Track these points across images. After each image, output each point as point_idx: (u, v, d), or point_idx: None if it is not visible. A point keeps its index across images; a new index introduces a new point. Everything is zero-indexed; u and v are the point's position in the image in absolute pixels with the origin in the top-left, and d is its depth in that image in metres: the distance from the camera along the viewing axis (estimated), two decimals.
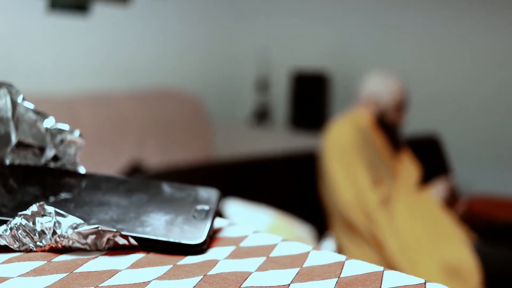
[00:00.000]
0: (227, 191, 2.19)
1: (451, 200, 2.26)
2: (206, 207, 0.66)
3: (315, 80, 3.88)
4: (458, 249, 1.89)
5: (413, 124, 3.59)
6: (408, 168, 2.37)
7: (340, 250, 2.26)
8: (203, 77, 4.24)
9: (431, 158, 3.02)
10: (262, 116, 4.17)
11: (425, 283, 0.56)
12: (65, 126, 0.71)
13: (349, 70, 3.94)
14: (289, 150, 2.63)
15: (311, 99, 3.89)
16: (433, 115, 3.60)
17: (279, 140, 3.44)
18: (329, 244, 2.24)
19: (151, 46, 3.89)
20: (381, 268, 0.59)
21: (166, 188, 0.69)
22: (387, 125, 2.37)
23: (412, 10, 3.70)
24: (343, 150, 2.17)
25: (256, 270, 0.56)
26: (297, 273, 0.56)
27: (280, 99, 4.30)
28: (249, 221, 2.06)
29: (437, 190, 2.22)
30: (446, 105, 3.55)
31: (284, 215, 2.21)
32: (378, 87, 2.34)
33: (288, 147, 3.24)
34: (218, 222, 0.72)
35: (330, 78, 4.02)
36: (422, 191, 2.22)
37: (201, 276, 0.55)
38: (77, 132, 0.72)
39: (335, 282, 0.54)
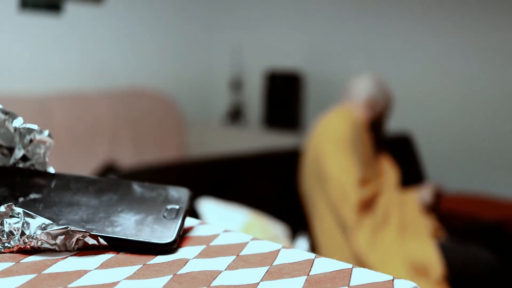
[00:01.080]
0: (201, 190, 2.19)
1: (436, 205, 2.27)
2: (177, 207, 0.66)
3: (288, 79, 3.90)
4: (424, 246, 1.91)
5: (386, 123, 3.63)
6: (388, 170, 2.40)
7: (315, 248, 2.27)
8: (177, 76, 4.22)
9: (404, 157, 3.05)
10: (236, 115, 4.18)
11: (393, 280, 0.57)
12: (34, 126, 0.70)
13: (322, 70, 3.96)
14: (263, 149, 2.64)
15: (285, 99, 3.91)
16: (406, 115, 3.63)
17: (253, 139, 3.44)
18: (302, 242, 2.25)
19: (124, 46, 3.87)
20: (350, 266, 0.59)
21: (137, 187, 0.69)
22: (377, 128, 2.41)
23: (385, 11, 3.73)
24: (340, 138, 2.18)
25: (226, 269, 0.56)
26: (266, 272, 0.56)
27: (254, 98, 4.30)
28: (224, 220, 2.06)
29: (423, 194, 2.24)
30: (418, 104, 3.59)
31: (258, 214, 2.21)
32: (376, 92, 2.37)
33: (262, 146, 3.24)
34: (189, 221, 0.72)
35: (303, 78, 4.03)
36: (407, 194, 2.24)
37: (171, 276, 0.55)
38: (46, 132, 0.71)
39: (304, 280, 0.55)
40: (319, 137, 2.23)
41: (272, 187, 2.39)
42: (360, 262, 2.02)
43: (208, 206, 2.09)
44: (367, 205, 2.07)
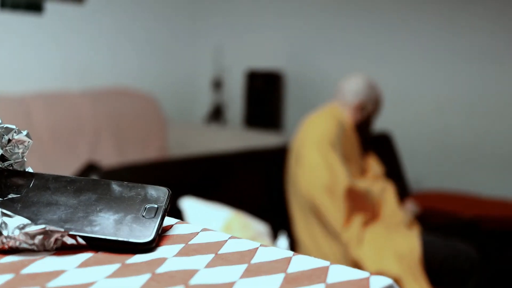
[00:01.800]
0: (183, 190, 2.19)
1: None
2: (156, 206, 0.66)
3: (269, 79, 3.90)
4: (408, 238, 1.93)
5: None
6: (374, 166, 2.43)
7: (297, 247, 2.28)
8: (160, 76, 4.21)
9: (384, 155, 3.07)
10: (217, 115, 4.17)
11: (369, 277, 0.58)
12: (12, 126, 0.70)
13: (302, 70, 3.97)
14: (244, 148, 2.64)
15: (266, 98, 3.91)
16: (386, 115, 3.65)
17: (234, 138, 3.44)
18: (283, 240, 2.26)
19: (106, 46, 3.85)
20: (327, 263, 0.60)
21: (116, 187, 0.69)
22: (364, 128, 2.43)
23: (365, 12, 3.75)
24: (323, 139, 2.20)
25: (204, 267, 0.57)
26: (244, 270, 0.57)
27: (235, 98, 4.30)
28: (205, 218, 2.06)
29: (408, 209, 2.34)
30: (397, 104, 3.61)
31: (240, 212, 2.22)
32: (367, 96, 2.39)
33: (244, 145, 3.25)
34: (168, 220, 0.72)
35: (283, 77, 4.04)
36: (387, 185, 2.29)
37: (149, 274, 0.55)
38: (24, 132, 0.71)
39: (281, 278, 0.55)
40: (301, 139, 2.25)
41: (253, 186, 2.39)
42: (350, 259, 2.03)
43: (190, 205, 2.09)
44: (352, 195, 2.09)
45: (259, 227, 2.16)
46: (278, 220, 2.37)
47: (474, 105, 3.34)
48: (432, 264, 1.89)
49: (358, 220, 2.08)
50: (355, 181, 2.17)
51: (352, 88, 2.41)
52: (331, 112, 2.33)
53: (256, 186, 2.40)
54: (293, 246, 2.32)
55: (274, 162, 2.44)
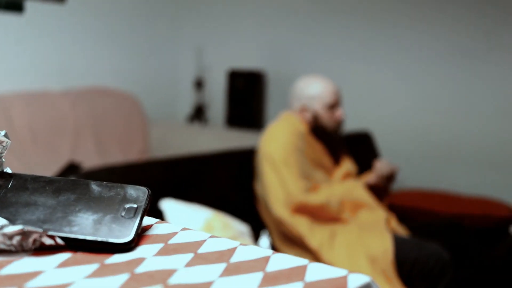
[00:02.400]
0: (164, 190, 2.18)
1: (390, 179, 2.29)
2: (135, 205, 0.66)
3: (250, 79, 3.91)
4: (382, 240, 1.94)
5: (345, 123, 3.66)
6: (346, 164, 2.40)
7: (274, 247, 2.28)
8: (142, 76, 4.20)
9: (364, 155, 3.08)
10: (200, 115, 4.17)
11: (347, 275, 0.58)
12: None
13: (283, 70, 3.98)
14: (225, 149, 2.64)
15: (247, 98, 3.92)
16: (364, 115, 3.67)
17: (216, 138, 3.44)
18: (265, 240, 2.26)
19: (87, 45, 3.83)
20: (306, 262, 0.60)
21: (95, 187, 0.69)
22: (323, 129, 2.36)
23: (342, 12, 3.76)
24: (275, 156, 2.18)
25: (183, 267, 0.57)
26: (223, 269, 0.57)
27: (217, 98, 4.30)
28: (186, 220, 2.06)
29: (379, 165, 2.27)
30: (376, 104, 3.63)
31: (221, 213, 2.22)
32: (306, 93, 2.32)
33: (226, 145, 3.25)
34: (148, 220, 0.72)
35: (265, 77, 4.05)
36: (356, 180, 2.26)
37: (128, 274, 0.55)
38: (2, 132, 0.71)
39: (260, 276, 0.55)
40: (260, 154, 2.25)
41: (235, 186, 2.39)
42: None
43: (170, 206, 2.09)
44: (305, 209, 2.08)
45: (240, 227, 2.16)
46: (260, 220, 2.38)
47: (453, 104, 3.37)
48: (403, 266, 1.90)
49: (323, 227, 2.08)
50: (310, 195, 2.13)
51: (292, 94, 2.38)
52: (287, 121, 2.30)
53: (237, 186, 2.40)
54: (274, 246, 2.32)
55: (255, 163, 2.43)
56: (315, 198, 2.12)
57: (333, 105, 2.31)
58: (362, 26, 3.70)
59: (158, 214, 2.12)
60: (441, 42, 3.42)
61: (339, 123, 2.33)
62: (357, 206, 2.17)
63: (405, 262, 1.89)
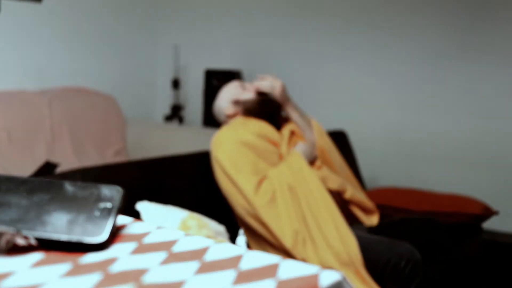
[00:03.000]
0: (140, 192, 2.18)
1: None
2: (109, 205, 0.66)
3: (227, 79, 3.91)
4: (345, 238, 1.94)
5: (320, 123, 3.66)
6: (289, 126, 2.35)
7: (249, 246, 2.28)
8: (119, 76, 4.17)
9: (339, 153, 3.09)
10: (177, 115, 4.16)
11: (320, 272, 0.59)
12: None
13: (260, 70, 3.99)
14: (200, 149, 2.63)
15: None
16: (339, 114, 3.69)
17: (194, 138, 3.43)
18: (241, 239, 2.27)
19: (64, 45, 3.80)
20: (278, 260, 0.61)
21: (69, 187, 0.69)
22: (256, 108, 2.35)
23: (318, 12, 3.77)
24: (224, 164, 2.17)
25: (157, 265, 0.57)
26: (197, 267, 0.57)
27: (195, 97, 4.29)
28: (162, 220, 2.05)
29: (300, 147, 2.25)
30: (351, 103, 3.65)
31: (197, 214, 2.22)
32: (221, 108, 2.41)
33: (202, 145, 3.24)
34: (122, 219, 0.72)
35: (242, 78, 4.06)
36: (289, 153, 2.22)
37: (102, 273, 0.55)
38: None
39: (233, 274, 0.56)
40: (212, 162, 2.25)
41: (211, 186, 2.39)
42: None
43: (146, 207, 2.08)
44: (271, 201, 2.07)
45: (217, 227, 2.16)
46: (236, 220, 2.38)
47: (427, 103, 3.40)
48: (376, 267, 1.91)
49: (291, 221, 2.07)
50: (262, 194, 2.12)
51: (218, 117, 2.49)
52: (227, 129, 2.29)
53: (213, 186, 2.39)
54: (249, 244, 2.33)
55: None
56: (265, 196, 2.09)
57: (240, 88, 2.40)
58: (337, 27, 3.72)
59: (134, 216, 2.11)
60: (415, 42, 3.45)
61: (258, 98, 2.34)
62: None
63: (377, 263, 1.90)
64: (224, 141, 2.19)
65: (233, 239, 2.30)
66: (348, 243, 1.96)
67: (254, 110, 2.32)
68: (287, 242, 2.00)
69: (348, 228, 1.98)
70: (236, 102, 2.36)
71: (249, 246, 2.23)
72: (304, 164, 2.13)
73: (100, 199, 0.67)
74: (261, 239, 2.17)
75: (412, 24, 3.47)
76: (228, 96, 2.40)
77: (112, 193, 0.68)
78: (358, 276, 1.90)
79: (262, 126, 2.27)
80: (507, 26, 3.15)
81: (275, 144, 2.27)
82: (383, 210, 2.60)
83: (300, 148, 2.24)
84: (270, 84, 2.35)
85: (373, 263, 1.90)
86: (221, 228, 2.17)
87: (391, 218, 2.32)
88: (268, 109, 2.33)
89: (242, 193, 2.11)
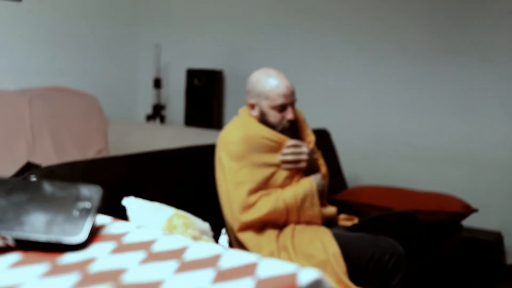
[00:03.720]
0: (125, 188, 2.17)
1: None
2: (88, 205, 0.66)
3: (209, 78, 3.90)
4: (328, 247, 1.96)
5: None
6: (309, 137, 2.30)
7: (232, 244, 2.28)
8: (100, 76, 4.15)
9: (322, 152, 3.10)
10: (158, 114, 4.15)
11: (298, 270, 0.59)
12: None
13: (242, 69, 3.98)
14: (184, 146, 2.63)
15: (206, 98, 3.91)
16: (322, 113, 3.69)
17: (174, 138, 3.43)
18: (223, 237, 2.27)
19: (44, 44, 3.76)
20: (257, 258, 0.61)
21: (47, 187, 0.69)
22: (271, 126, 2.21)
23: (299, 12, 3.78)
24: (226, 166, 2.14)
25: (135, 265, 0.57)
26: (175, 266, 0.57)
27: (176, 97, 4.28)
28: (148, 218, 2.05)
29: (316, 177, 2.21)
30: (333, 103, 3.66)
31: (182, 211, 2.21)
32: (256, 90, 2.15)
33: (184, 144, 3.24)
34: (101, 219, 0.72)
35: (223, 77, 4.05)
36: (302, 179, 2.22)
37: (80, 273, 0.55)
38: None
39: (212, 273, 0.56)
40: (216, 155, 2.20)
41: (194, 185, 2.39)
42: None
43: (132, 203, 2.07)
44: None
45: (202, 225, 2.16)
46: (219, 218, 2.38)
47: (407, 103, 3.42)
48: (359, 263, 1.91)
49: (270, 240, 2.08)
50: (252, 211, 2.10)
51: (247, 87, 2.23)
52: (240, 121, 2.19)
53: (197, 185, 2.39)
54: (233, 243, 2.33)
55: (213, 160, 2.44)
56: (258, 212, 2.08)
57: (281, 107, 2.13)
58: (319, 28, 3.73)
59: (120, 213, 2.10)
60: (395, 43, 3.46)
61: (285, 124, 2.14)
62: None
63: (361, 259, 1.90)
64: (231, 141, 2.09)
65: (217, 237, 2.30)
66: (330, 252, 1.97)
67: (269, 126, 2.18)
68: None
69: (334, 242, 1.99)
70: (262, 115, 2.15)
71: (232, 245, 2.24)
72: (315, 192, 2.11)
73: (79, 199, 0.67)
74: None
75: (393, 26, 3.49)
76: (268, 96, 2.16)
77: (91, 192, 0.68)
78: (335, 278, 1.91)
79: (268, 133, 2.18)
80: (485, 28, 3.18)
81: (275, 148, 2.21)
82: (364, 208, 2.61)
83: (315, 178, 2.18)
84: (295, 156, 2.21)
85: (356, 259, 1.91)
86: (206, 226, 2.17)
87: (369, 215, 2.32)
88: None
89: (231, 202, 2.12)
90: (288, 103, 2.14)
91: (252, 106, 2.17)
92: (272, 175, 2.15)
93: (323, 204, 2.22)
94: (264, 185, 2.12)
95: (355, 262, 1.91)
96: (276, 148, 2.21)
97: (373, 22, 3.55)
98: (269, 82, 2.15)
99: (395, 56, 3.47)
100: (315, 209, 2.12)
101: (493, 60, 3.17)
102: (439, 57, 3.33)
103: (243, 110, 2.27)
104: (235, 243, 2.21)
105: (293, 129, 2.25)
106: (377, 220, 2.25)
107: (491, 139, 3.19)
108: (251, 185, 2.08)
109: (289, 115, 2.14)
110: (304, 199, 2.13)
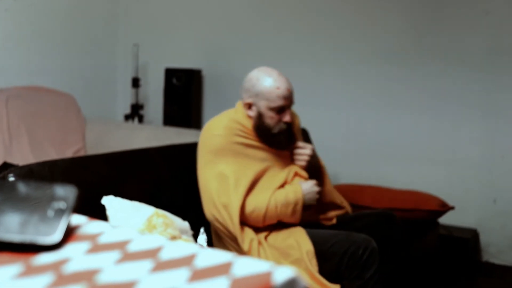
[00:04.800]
0: (104, 187, 2.16)
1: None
2: (63, 205, 0.66)
3: (188, 78, 3.89)
4: (302, 243, 1.97)
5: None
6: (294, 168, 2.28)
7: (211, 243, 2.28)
8: (79, 75, 4.11)
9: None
10: (138, 114, 4.13)
11: (273, 269, 0.59)
12: None
13: (220, 68, 3.98)
14: (163, 145, 2.62)
15: (184, 97, 3.90)
16: (300, 113, 3.69)
17: (153, 137, 3.41)
18: (202, 236, 2.27)
19: (22, 43, 3.73)
20: (232, 257, 0.61)
21: (22, 187, 0.68)
22: (268, 129, 2.16)
23: (277, 12, 3.78)
24: (212, 151, 2.11)
25: (110, 265, 0.57)
26: (151, 266, 0.57)
27: (155, 97, 4.26)
28: (128, 216, 2.04)
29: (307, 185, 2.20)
30: (312, 102, 3.67)
31: (162, 210, 2.21)
32: (254, 89, 2.10)
33: (163, 143, 3.23)
34: (77, 219, 0.72)
35: (202, 76, 4.05)
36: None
37: (55, 274, 0.55)
38: None
39: (187, 273, 0.56)
40: (199, 148, 2.17)
41: (172, 184, 2.38)
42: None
43: (112, 203, 2.06)
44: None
45: (182, 224, 2.16)
46: (198, 217, 2.38)
47: (385, 102, 3.44)
48: (334, 258, 1.93)
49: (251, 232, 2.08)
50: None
51: (244, 84, 2.14)
52: (227, 118, 2.14)
53: (176, 184, 2.39)
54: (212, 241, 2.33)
55: (193, 159, 2.43)
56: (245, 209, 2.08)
57: (280, 109, 2.09)
58: (297, 27, 3.74)
59: (100, 212, 2.09)
60: (373, 43, 3.48)
61: (282, 126, 2.11)
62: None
63: (335, 254, 1.92)
64: (213, 137, 2.06)
65: (196, 236, 2.30)
66: (303, 244, 1.99)
67: (265, 131, 2.12)
68: (245, 247, 2.03)
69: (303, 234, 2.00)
70: (259, 116, 2.10)
71: (212, 243, 2.23)
72: (300, 200, 2.08)
73: (54, 199, 0.67)
74: (221, 235, 2.17)
75: (370, 27, 3.51)
76: (267, 97, 2.10)
77: (66, 192, 0.68)
78: (308, 274, 1.93)
79: (258, 149, 2.15)
80: (461, 28, 3.21)
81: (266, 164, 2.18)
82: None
83: (306, 186, 2.15)
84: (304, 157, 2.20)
85: (331, 255, 1.92)
86: (185, 225, 2.16)
87: (347, 214, 2.33)
88: (276, 143, 2.16)
89: (211, 196, 2.12)
90: (287, 105, 2.11)
91: (249, 106, 2.12)
92: (259, 171, 2.14)
93: (321, 206, 2.22)
94: (250, 178, 2.11)
95: (330, 257, 1.92)
96: (259, 147, 2.20)
97: (350, 22, 3.57)
98: (270, 83, 2.10)
99: (372, 56, 3.49)
100: (296, 216, 2.11)
101: (469, 60, 3.21)
102: (416, 57, 3.36)
103: (233, 110, 2.21)
104: (215, 236, 2.21)
105: (290, 132, 2.21)
106: (355, 219, 2.26)
107: (467, 138, 3.22)
108: (242, 180, 2.08)
109: (286, 117, 2.10)
110: (286, 206, 2.11)
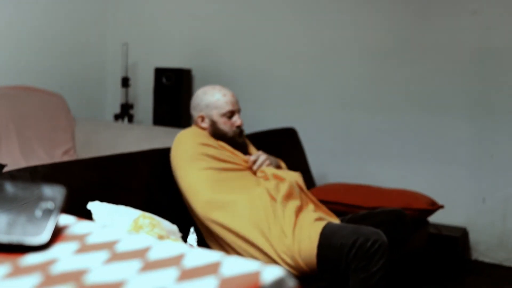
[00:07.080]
0: (91, 191, 2.15)
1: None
2: (51, 205, 0.66)
3: (177, 77, 3.89)
4: (311, 238, 1.98)
5: (270, 122, 3.66)
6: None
7: (201, 243, 2.29)
8: (68, 75, 4.10)
9: (289, 151, 3.12)
10: (127, 114, 4.12)
11: (262, 269, 0.59)
12: None
13: (210, 68, 3.98)
14: (150, 150, 2.61)
15: (174, 96, 3.90)
16: (289, 112, 3.71)
17: (142, 137, 3.41)
18: (192, 236, 2.27)
19: (10, 43, 3.71)
20: (220, 257, 0.61)
21: (9, 187, 0.68)
22: (223, 135, 2.38)
23: (265, 10, 3.79)
24: (187, 158, 2.22)
25: (99, 265, 0.57)
26: (139, 266, 0.57)
27: (145, 96, 4.26)
28: (114, 220, 2.03)
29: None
30: (301, 101, 3.67)
31: (149, 213, 2.20)
32: (203, 103, 2.38)
33: (152, 144, 3.23)
34: (65, 219, 0.72)
35: (192, 75, 4.05)
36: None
37: (42, 274, 0.55)
38: None
39: (176, 273, 0.56)
40: (172, 161, 2.28)
41: (161, 185, 2.38)
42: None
43: (98, 207, 2.06)
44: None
45: (169, 226, 2.16)
46: (187, 218, 2.38)
47: (373, 101, 3.45)
48: (343, 249, 1.93)
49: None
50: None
51: (192, 106, 2.44)
52: (192, 132, 2.38)
53: (163, 185, 2.38)
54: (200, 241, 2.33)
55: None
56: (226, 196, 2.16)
57: (230, 114, 2.37)
58: (285, 27, 3.74)
59: (86, 216, 2.08)
60: (360, 41, 3.49)
61: (235, 130, 2.38)
62: (289, 195, 2.18)
63: (343, 246, 1.92)
64: (185, 140, 2.26)
65: (185, 239, 2.30)
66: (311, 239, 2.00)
67: (221, 137, 2.36)
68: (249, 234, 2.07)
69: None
70: (213, 124, 2.38)
71: (202, 244, 2.24)
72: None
73: (41, 199, 0.66)
74: (219, 237, 2.18)
75: (357, 25, 3.52)
76: (216, 104, 2.38)
77: (54, 193, 0.67)
78: (307, 268, 1.94)
79: (225, 151, 2.33)
80: (448, 27, 3.23)
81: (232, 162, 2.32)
82: (333, 206, 2.63)
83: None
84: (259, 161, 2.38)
85: (338, 247, 1.93)
86: (173, 227, 2.16)
87: (357, 213, 2.36)
88: (236, 144, 2.39)
89: (196, 192, 2.17)
90: (235, 110, 2.39)
91: (202, 119, 2.38)
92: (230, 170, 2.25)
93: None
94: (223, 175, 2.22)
95: (339, 249, 1.92)
96: (224, 148, 2.33)
97: (339, 22, 3.58)
98: (216, 93, 2.41)
99: (360, 55, 3.50)
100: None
101: (456, 59, 3.22)
102: (404, 57, 3.37)
103: (194, 123, 2.41)
104: (206, 233, 2.22)
105: (244, 146, 2.43)
106: (366, 218, 2.28)
107: (456, 137, 3.24)
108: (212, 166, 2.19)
109: (237, 121, 2.38)
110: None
